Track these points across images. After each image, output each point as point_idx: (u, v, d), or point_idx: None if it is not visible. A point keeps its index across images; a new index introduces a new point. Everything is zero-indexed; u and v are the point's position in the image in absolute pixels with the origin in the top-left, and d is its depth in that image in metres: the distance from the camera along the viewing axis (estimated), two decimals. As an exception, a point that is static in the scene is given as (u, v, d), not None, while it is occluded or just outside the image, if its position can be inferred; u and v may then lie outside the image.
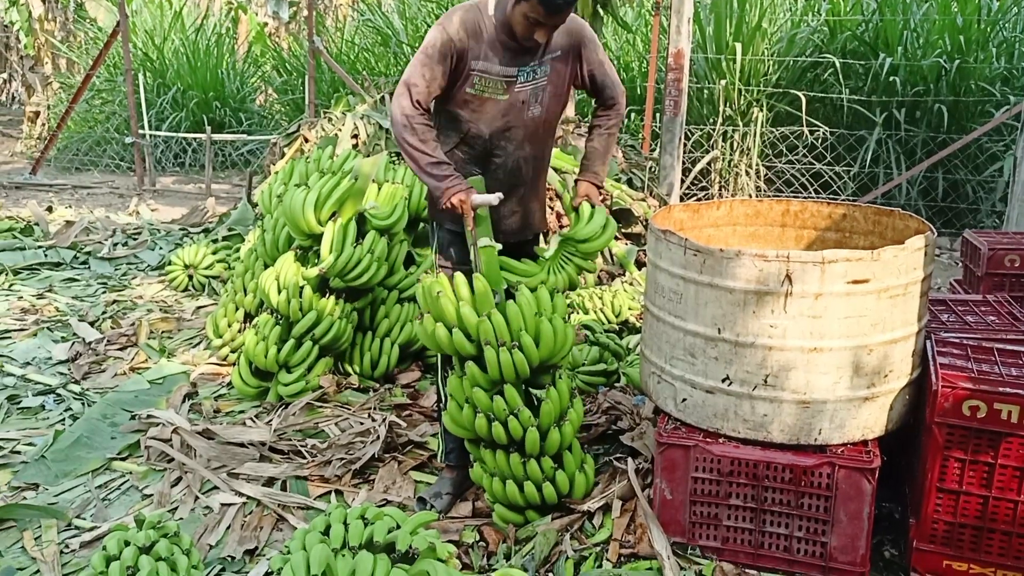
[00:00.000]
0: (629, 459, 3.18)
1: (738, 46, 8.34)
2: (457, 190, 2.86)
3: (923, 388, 2.72)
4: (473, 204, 2.87)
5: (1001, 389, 2.48)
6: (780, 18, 9.35)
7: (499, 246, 2.96)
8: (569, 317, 3.85)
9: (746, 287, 2.58)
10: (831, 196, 8.09)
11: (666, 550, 2.77)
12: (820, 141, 8.17)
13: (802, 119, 8.08)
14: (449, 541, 2.94)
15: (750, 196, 8.25)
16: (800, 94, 8.13)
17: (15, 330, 5.11)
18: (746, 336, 2.62)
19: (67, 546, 3.00)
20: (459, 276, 2.94)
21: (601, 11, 7.21)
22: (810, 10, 9.63)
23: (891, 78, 8.15)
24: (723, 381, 2.68)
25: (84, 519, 3.17)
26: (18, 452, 3.65)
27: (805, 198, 7.64)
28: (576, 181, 3.23)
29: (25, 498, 3.31)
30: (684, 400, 2.80)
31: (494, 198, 2.91)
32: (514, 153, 3.03)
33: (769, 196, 8.21)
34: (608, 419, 3.67)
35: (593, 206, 3.18)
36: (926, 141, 8.10)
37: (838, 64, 8.27)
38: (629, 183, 6.84)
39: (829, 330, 2.56)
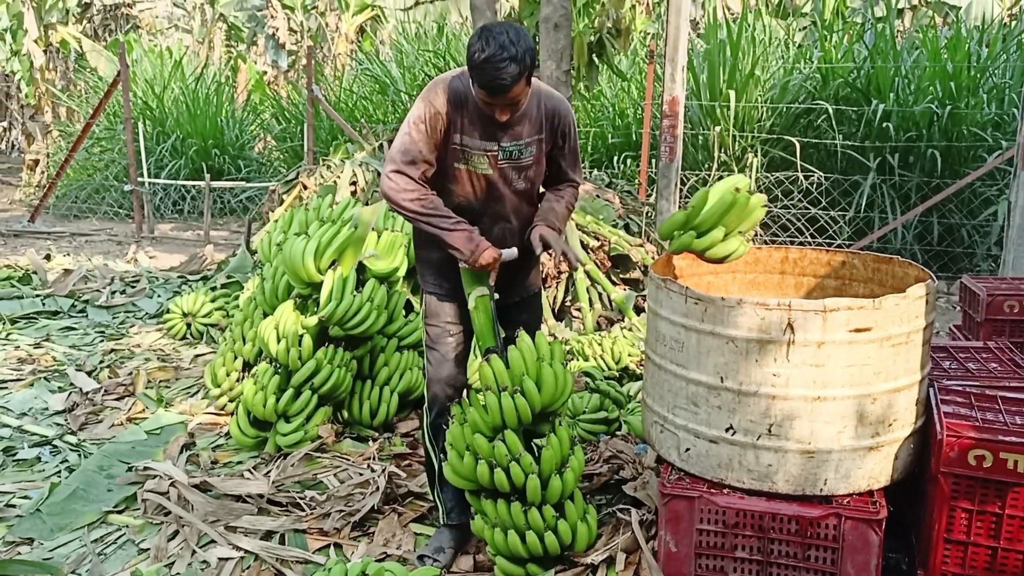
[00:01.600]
0: (632, 510, 3.14)
1: (732, 93, 8.45)
2: (487, 247, 2.88)
3: (928, 437, 2.70)
4: (504, 259, 2.95)
5: (1006, 438, 2.46)
6: (773, 66, 9.49)
7: (495, 296, 2.99)
8: (567, 364, 3.84)
9: (748, 335, 2.58)
10: (827, 240, 8.14)
11: (672, 604, 2.73)
12: (815, 186, 8.24)
13: (796, 164, 8.16)
14: (450, 595, 2.89)
15: (747, 241, 8.28)
16: (794, 140, 8.22)
17: (12, 380, 5.07)
18: (749, 385, 2.61)
19: (62, 603, 2.94)
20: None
21: (596, 60, 7.32)
22: (802, 58, 9.78)
23: (884, 124, 8.25)
24: (727, 431, 2.67)
25: (80, 575, 3.12)
26: (13, 505, 3.60)
27: (803, 244, 7.68)
28: (531, 229, 3.07)
29: (20, 553, 3.25)
30: (687, 450, 2.78)
31: (515, 251, 2.99)
32: (501, 224, 3.04)
33: (765, 241, 8.25)
34: (610, 468, 3.64)
35: (550, 242, 3.01)
36: (920, 186, 8.17)
37: (831, 110, 8.38)
38: (626, 228, 6.87)
39: (832, 379, 2.55)
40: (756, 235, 8.23)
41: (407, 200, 2.85)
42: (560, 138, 3.02)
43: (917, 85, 8.53)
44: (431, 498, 3.34)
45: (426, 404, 3.20)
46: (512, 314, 3.16)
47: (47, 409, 4.66)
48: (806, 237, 8.20)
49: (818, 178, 8.22)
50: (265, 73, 15.32)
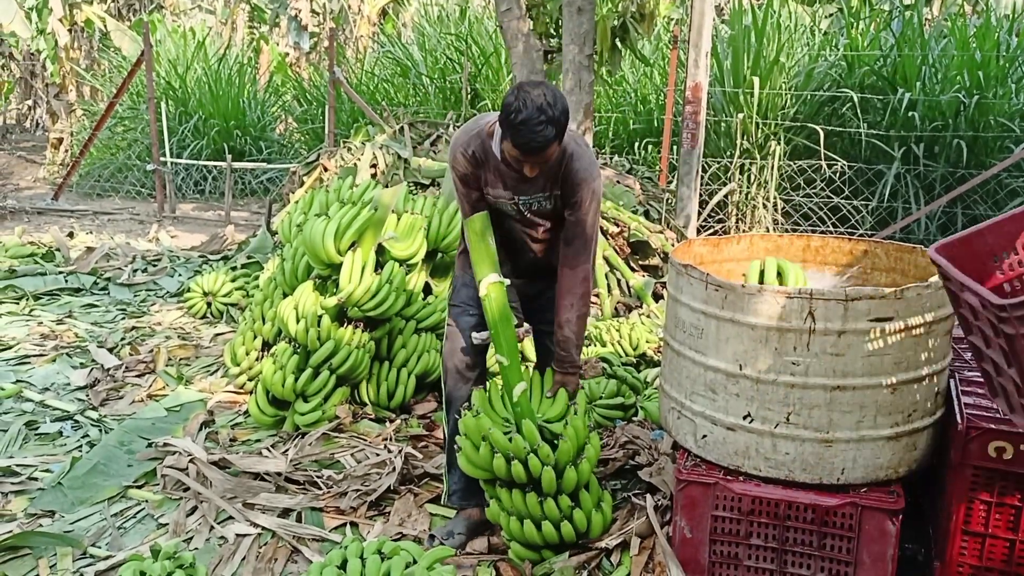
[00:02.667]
0: (648, 496, 3.14)
1: (756, 80, 8.37)
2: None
3: (947, 428, 2.68)
4: (475, 341, 3.08)
5: (1028, 431, 2.44)
6: (798, 52, 9.38)
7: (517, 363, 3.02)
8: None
9: (768, 323, 2.57)
10: (849, 230, 8.06)
11: (685, 589, 2.73)
12: (838, 175, 8.16)
13: (820, 153, 8.08)
14: (465, 576, 2.91)
15: (767, 229, 8.23)
16: (818, 128, 8.13)
17: (35, 355, 5.14)
18: (768, 373, 2.60)
19: (82, 575, 2.99)
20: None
21: (620, 45, 7.26)
22: (828, 45, 9.67)
23: (909, 113, 8.14)
24: (744, 418, 2.66)
25: (99, 547, 3.16)
26: (35, 478, 3.66)
27: (824, 232, 7.62)
28: (554, 372, 3.15)
29: (41, 525, 3.30)
30: (704, 436, 2.78)
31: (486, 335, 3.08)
32: (531, 258, 3.18)
33: (787, 229, 8.19)
34: (626, 454, 3.64)
35: (572, 395, 3.14)
36: (945, 176, 8.07)
37: (856, 99, 8.28)
38: (646, 215, 6.84)
39: (852, 368, 2.53)
40: (777, 224, 8.22)
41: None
42: (570, 206, 2.97)
43: (944, 74, 8.41)
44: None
45: (442, 379, 3.26)
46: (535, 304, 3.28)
47: (69, 384, 4.72)
48: (828, 226, 8.13)
49: (841, 167, 8.13)
50: (287, 55, 15.34)
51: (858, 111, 8.32)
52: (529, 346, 3.85)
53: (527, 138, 2.69)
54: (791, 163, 8.33)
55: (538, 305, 3.28)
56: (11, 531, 3.22)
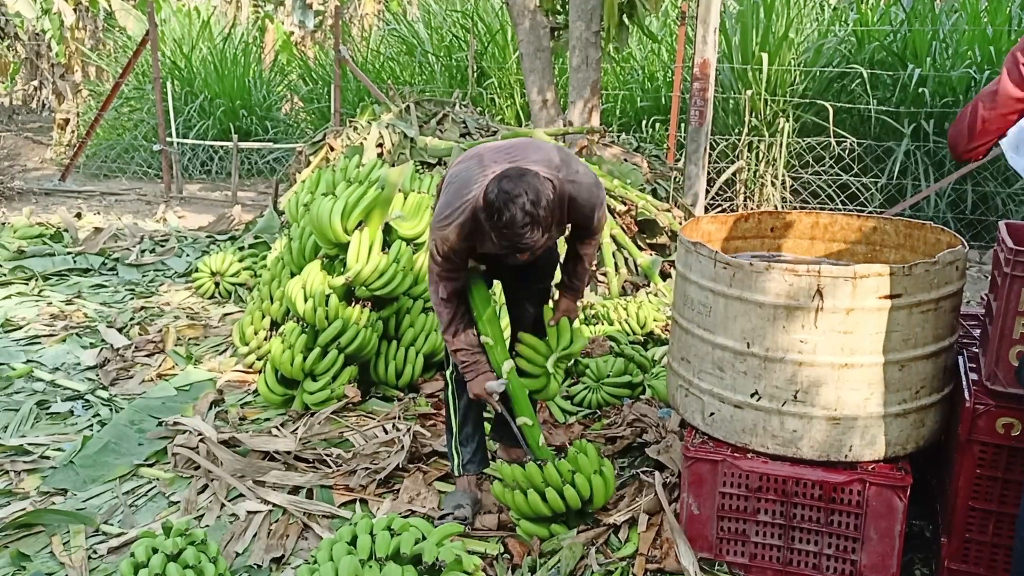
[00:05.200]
0: (656, 473, 3.15)
1: (764, 56, 8.30)
2: (476, 385, 3.05)
3: (955, 405, 2.68)
4: (489, 391, 3.05)
5: (1036, 407, 2.44)
6: (807, 28, 9.30)
7: (537, 424, 3.13)
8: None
9: (776, 301, 2.56)
10: (858, 208, 8.03)
11: (693, 566, 2.75)
12: (847, 152, 8.11)
13: (829, 130, 8.03)
14: (473, 553, 2.93)
15: (776, 207, 8.19)
16: (827, 104, 8.07)
17: (45, 335, 5.17)
18: (776, 351, 2.60)
19: (95, 552, 3.02)
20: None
21: (627, 21, 7.21)
22: (837, 20, 9.57)
23: (920, 89, 8.07)
24: (752, 396, 2.66)
25: (112, 525, 3.20)
26: (47, 457, 3.69)
27: (833, 210, 7.58)
28: (559, 296, 3.27)
29: (54, 503, 3.34)
30: (712, 414, 2.78)
31: (500, 385, 3.05)
32: (518, 271, 3.14)
33: (796, 207, 8.15)
34: (633, 432, 3.65)
35: (571, 322, 3.28)
36: (955, 153, 8.00)
37: (866, 75, 8.21)
38: (654, 193, 6.82)
39: (860, 346, 2.53)
40: (786, 201, 8.18)
41: (438, 303, 3.03)
42: (583, 229, 3.06)
43: (955, 49, 8.32)
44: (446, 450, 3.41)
45: (445, 361, 3.29)
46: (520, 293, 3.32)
47: (79, 364, 4.75)
48: (837, 204, 8.09)
49: (851, 144, 8.07)
50: (292, 34, 15.25)
51: (868, 87, 8.26)
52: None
53: (512, 240, 2.66)
54: (800, 140, 8.27)
55: (521, 275, 3.24)
56: (25, 509, 3.25)
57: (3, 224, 7.69)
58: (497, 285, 3.47)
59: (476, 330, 3.09)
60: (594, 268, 5.89)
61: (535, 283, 3.29)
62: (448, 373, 3.27)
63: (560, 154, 2.93)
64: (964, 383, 2.62)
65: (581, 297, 3.30)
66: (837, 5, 10.03)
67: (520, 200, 2.59)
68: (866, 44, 8.66)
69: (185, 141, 10.91)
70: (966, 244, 2.74)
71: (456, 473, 3.27)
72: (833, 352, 2.54)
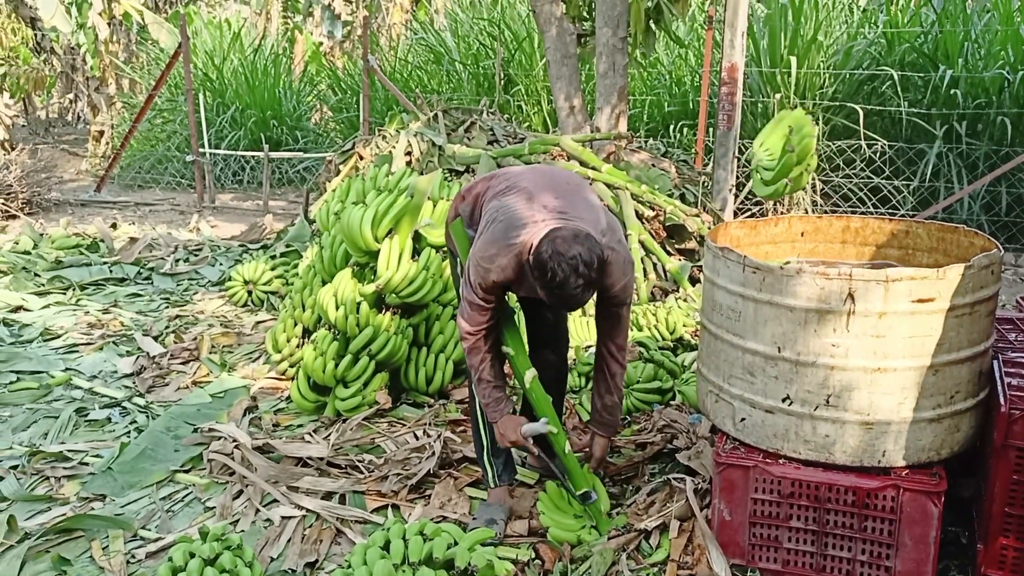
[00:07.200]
0: (687, 478, 3.15)
1: (793, 59, 8.26)
2: (509, 433, 3.04)
3: (991, 410, 2.65)
4: (525, 434, 3.03)
5: (1074, 412, 2.41)
6: (836, 31, 9.23)
7: (563, 432, 3.12)
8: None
9: (807, 305, 2.55)
10: (890, 211, 7.95)
11: (725, 572, 2.74)
12: (878, 155, 8.04)
13: (859, 132, 7.96)
14: (504, 559, 2.94)
15: (806, 211, 8.14)
16: (857, 107, 8.01)
17: (83, 344, 5.27)
18: (807, 355, 2.59)
19: (133, 556, 3.07)
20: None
21: (654, 26, 7.21)
22: (867, 22, 9.50)
23: (952, 90, 7.99)
24: (783, 401, 2.65)
25: (149, 530, 3.25)
26: (86, 464, 3.76)
27: (864, 214, 7.52)
28: (592, 436, 3.23)
29: (93, 509, 3.40)
30: (743, 420, 2.77)
31: (542, 426, 3.04)
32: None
33: (826, 211, 8.09)
34: (664, 438, 3.65)
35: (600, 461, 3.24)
36: (988, 154, 7.91)
37: (896, 77, 8.14)
38: (682, 198, 6.80)
39: (893, 350, 2.52)
40: (816, 205, 8.12)
41: (466, 340, 3.00)
42: (607, 298, 3.00)
43: (987, 50, 8.23)
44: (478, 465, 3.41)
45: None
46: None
47: (116, 372, 4.83)
48: (868, 207, 8.02)
49: (882, 147, 8.00)
50: (321, 44, 15.42)
51: (898, 89, 8.18)
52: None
53: (562, 299, 2.68)
54: (830, 143, 8.21)
55: None
56: (65, 514, 3.32)
57: (41, 235, 7.84)
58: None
59: (500, 342, 3.10)
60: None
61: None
62: (474, 384, 3.28)
63: (607, 218, 2.94)
64: (999, 388, 2.59)
65: (617, 433, 3.22)
66: (866, 7, 9.96)
67: (575, 263, 2.60)
68: (896, 46, 8.59)
69: (217, 152, 11.06)
70: (1001, 248, 2.72)
71: (492, 485, 3.28)
72: (866, 356, 2.53)
